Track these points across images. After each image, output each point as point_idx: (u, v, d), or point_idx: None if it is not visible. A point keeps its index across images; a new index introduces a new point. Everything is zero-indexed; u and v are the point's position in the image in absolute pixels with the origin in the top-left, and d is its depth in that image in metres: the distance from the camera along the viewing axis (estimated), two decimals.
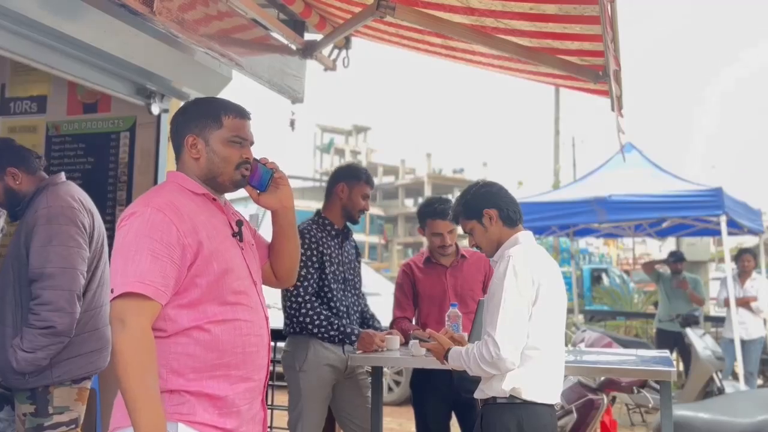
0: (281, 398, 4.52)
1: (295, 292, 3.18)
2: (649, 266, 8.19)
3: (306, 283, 3.18)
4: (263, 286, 2.10)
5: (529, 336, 2.36)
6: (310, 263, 3.20)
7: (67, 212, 2.53)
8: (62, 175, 2.72)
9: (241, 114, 1.99)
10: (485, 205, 2.56)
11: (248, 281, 1.95)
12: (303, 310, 3.17)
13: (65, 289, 2.44)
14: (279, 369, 3.32)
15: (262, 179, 2.05)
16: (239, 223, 2.00)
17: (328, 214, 3.39)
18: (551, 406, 2.47)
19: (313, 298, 3.21)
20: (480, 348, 2.35)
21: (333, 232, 3.35)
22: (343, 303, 3.32)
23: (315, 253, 3.24)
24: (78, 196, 2.64)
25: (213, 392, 1.80)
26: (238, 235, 1.97)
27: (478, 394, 2.49)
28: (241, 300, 1.89)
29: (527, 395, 2.38)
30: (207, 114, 1.95)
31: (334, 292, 3.28)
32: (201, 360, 1.79)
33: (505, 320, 2.31)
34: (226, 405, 1.83)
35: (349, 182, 3.36)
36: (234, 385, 1.85)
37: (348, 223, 3.43)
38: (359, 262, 3.56)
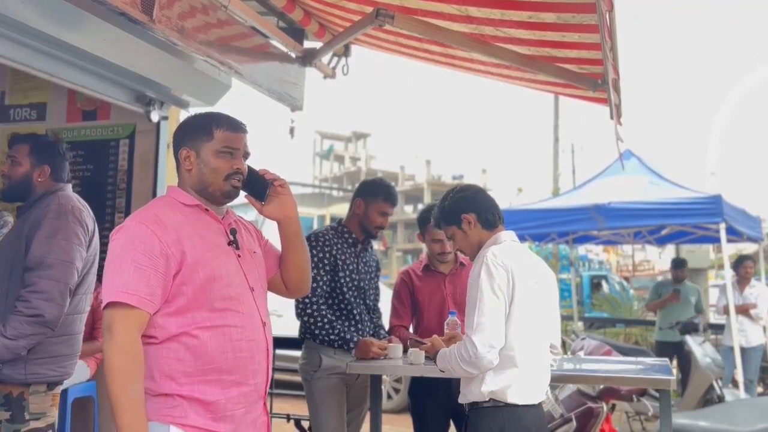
0: (281, 406, 4.52)
1: None
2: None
3: (314, 285, 3.17)
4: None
5: (507, 336, 2.38)
6: (321, 265, 3.22)
7: (76, 212, 2.63)
8: (69, 187, 2.81)
9: (234, 127, 2.02)
10: (463, 210, 2.61)
11: (242, 288, 1.96)
12: (309, 311, 3.19)
13: (61, 281, 2.48)
14: (280, 376, 3.34)
15: (260, 189, 2.06)
16: (233, 231, 2.03)
17: (348, 224, 3.41)
18: (535, 405, 2.47)
19: (320, 301, 3.22)
20: (459, 348, 2.40)
21: (350, 240, 3.36)
22: (356, 309, 3.33)
23: (328, 256, 3.25)
24: (83, 204, 2.74)
25: (204, 397, 1.84)
26: (233, 243, 2.00)
27: (461, 399, 2.53)
28: (231, 306, 1.91)
29: (509, 398, 2.40)
30: (199, 127, 2.01)
31: (347, 296, 3.29)
32: (191, 365, 1.84)
33: (481, 320, 2.35)
34: (218, 409, 1.86)
35: (366, 199, 3.36)
36: (226, 389, 1.88)
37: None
38: (378, 277, 3.56)
